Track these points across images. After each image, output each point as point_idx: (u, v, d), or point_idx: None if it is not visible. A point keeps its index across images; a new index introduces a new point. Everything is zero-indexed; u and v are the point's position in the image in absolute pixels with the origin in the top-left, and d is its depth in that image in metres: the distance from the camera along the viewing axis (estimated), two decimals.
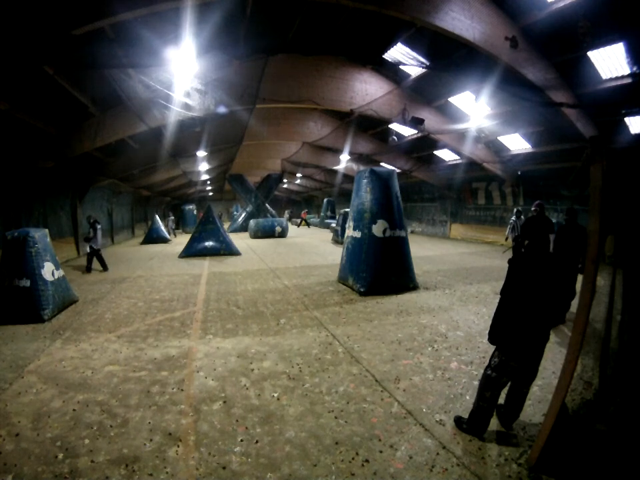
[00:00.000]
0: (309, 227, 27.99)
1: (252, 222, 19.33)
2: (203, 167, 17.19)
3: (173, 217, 22.46)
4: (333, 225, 17.72)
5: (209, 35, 5.64)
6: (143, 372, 3.60)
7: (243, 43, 7.00)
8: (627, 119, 8.67)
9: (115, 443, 2.49)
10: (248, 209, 23.36)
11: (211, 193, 36.44)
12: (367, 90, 9.76)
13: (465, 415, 2.65)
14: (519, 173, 13.47)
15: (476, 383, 2.92)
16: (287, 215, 33.12)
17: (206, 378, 3.46)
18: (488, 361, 2.54)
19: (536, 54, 7.16)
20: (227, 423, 2.73)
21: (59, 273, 5.74)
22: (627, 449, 1.90)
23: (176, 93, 7.40)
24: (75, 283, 7.50)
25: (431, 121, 10.66)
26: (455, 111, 10.92)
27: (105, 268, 9.34)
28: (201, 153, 13.71)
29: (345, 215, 13.11)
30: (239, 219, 23.73)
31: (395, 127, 13.13)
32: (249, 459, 2.33)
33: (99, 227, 8.98)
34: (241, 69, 8.33)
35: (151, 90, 7.36)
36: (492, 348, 2.60)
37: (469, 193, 16.47)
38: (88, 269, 9.09)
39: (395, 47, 7.66)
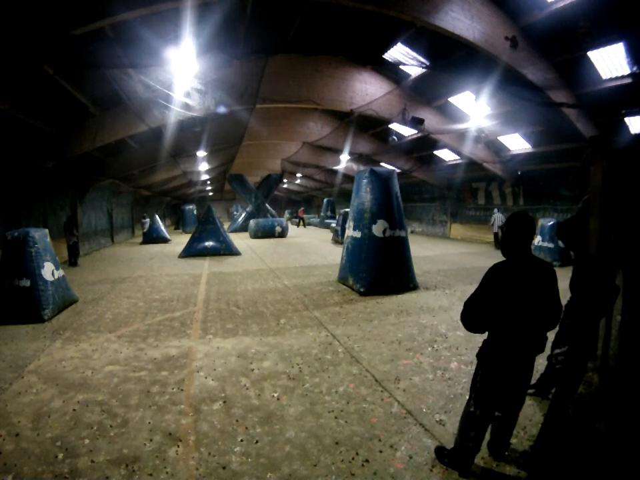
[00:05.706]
0: (305, 226, 27.87)
1: (252, 222, 19.34)
2: (203, 166, 17.18)
3: (148, 219, 18.53)
4: (333, 225, 17.71)
5: (209, 34, 5.65)
6: (142, 372, 3.60)
7: (243, 43, 7.01)
8: (627, 119, 8.68)
9: (115, 443, 2.49)
10: (248, 209, 23.35)
11: (211, 193, 36.47)
12: (367, 90, 9.76)
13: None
14: (519, 172, 13.48)
15: None
16: (287, 215, 33.13)
17: (206, 378, 3.46)
18: (468, 396, 2.21)
19: (536, 54, 7.17)
20: (226, 422, 2.73)
21: (59, 273, 5.74)
22: (627, 449, 1.90)
23: (176, 93, 7.41)
24: (75, 282, 7.49)
25: (431, 121, 10.66)
26: (455, 111, 10.92)
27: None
28: (201, 153, 13.71)
29: (345, 215, 13.11)
30: (239, 219, 23.72)
31: (395, 126, 13.13)
32: (249, 459, 2.33)
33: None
34: (240, 69, 8.33)
35: (151, 90, 7.38)
36: None
37: (469, 193, 16.47)
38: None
39: (395, 46, 7.67)
